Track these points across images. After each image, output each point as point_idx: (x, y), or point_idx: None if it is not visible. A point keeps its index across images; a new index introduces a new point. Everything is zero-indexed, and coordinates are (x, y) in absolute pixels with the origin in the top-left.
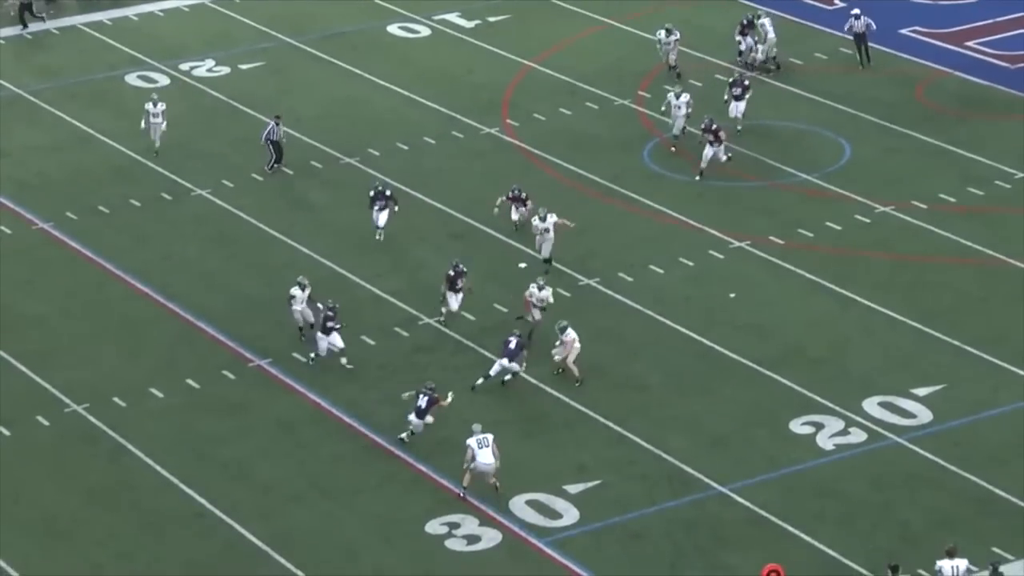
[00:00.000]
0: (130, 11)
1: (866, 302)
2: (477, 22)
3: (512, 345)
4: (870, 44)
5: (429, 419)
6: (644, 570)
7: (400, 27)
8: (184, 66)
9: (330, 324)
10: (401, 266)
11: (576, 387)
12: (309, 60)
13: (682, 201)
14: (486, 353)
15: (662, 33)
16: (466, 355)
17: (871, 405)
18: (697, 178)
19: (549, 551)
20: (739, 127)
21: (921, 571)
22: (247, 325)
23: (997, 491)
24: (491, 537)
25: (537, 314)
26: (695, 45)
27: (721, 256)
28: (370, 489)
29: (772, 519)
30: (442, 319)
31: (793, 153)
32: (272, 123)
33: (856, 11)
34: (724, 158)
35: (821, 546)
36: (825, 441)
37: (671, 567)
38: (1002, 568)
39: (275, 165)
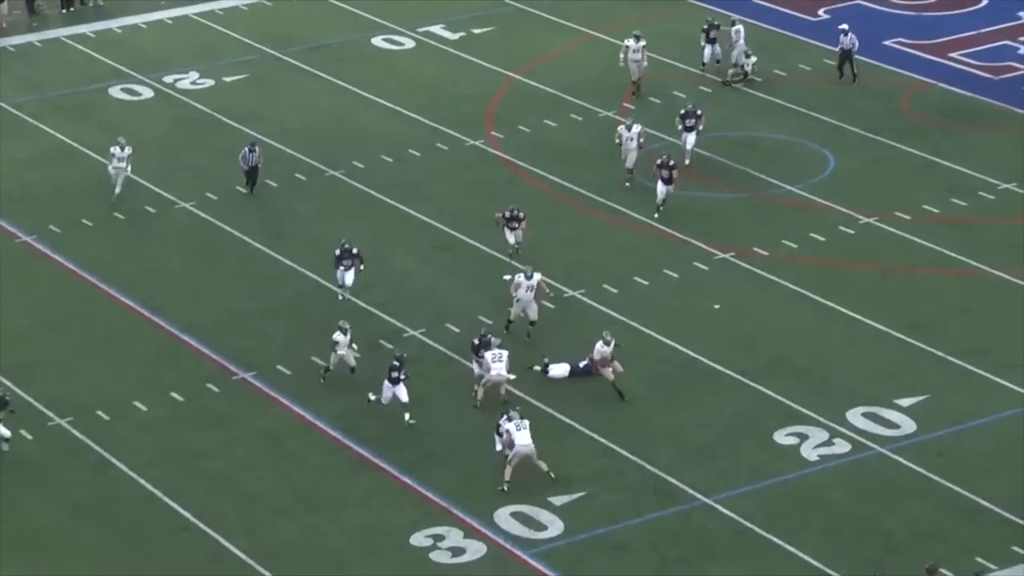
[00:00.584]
0: (114, 23)
1: (850, 313)
2: (462, 34)
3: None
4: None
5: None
6: None
7: (384, 39)
8: (168, 78)
9: (396, 374)
10: (386, 278)
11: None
12: (293, 72)
13: (666, 213)
14: (471, 366)
15: (631, 41)
16: (452, 367)
17: (855, 416)
18: (656, 216)
19: (534, 563)
20: (688, 160)
21: None
22: (231, 338)
23: (981, 501)
24: (476, 549)
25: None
26: (676, 55)
27: (706, 268)
28: (355, 502)
29: (756, 530)
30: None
31: (777, 164)
32: (245, 149)
33: (844, 26)
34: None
35: (806, 557)
36: (809, 452)
37: None
38: None
39: (252, 189)
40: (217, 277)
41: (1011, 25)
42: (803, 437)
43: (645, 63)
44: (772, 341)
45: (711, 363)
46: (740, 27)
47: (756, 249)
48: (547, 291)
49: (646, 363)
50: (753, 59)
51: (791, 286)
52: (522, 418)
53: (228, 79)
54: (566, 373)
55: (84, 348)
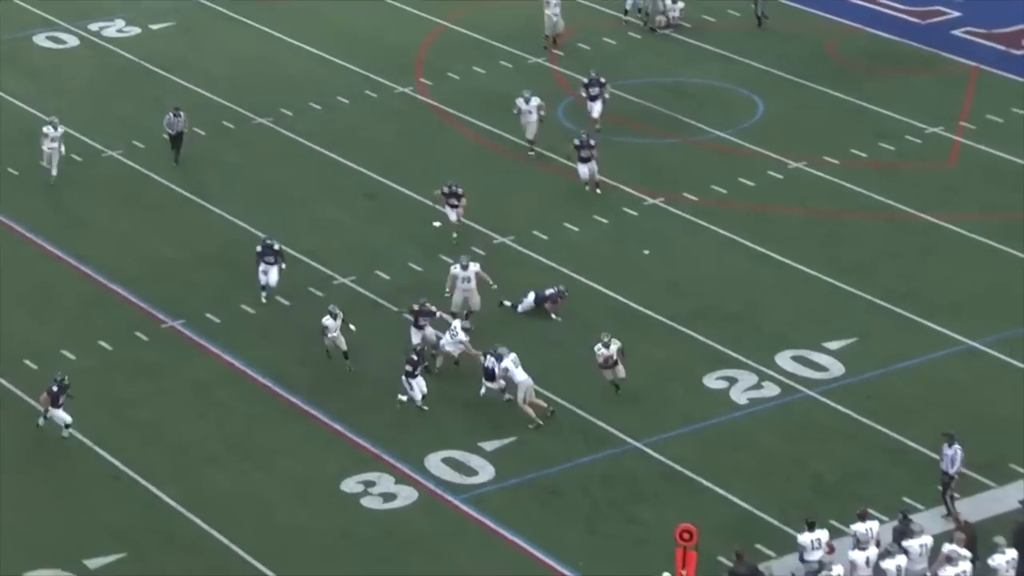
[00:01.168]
0: None
1: (779, 257)
2: None
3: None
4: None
5: (421, 388)
6: (560, 525)
7: None
8: (94, 26)
9: (411, 368)
10: (315, 226)
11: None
12: (220, 20)
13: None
14: (400, 311)
15: None
16: (382, 315)
17: (784, 359)
18: (598, 191)
19: (465, 508)
20: (598, 127)
21: (834, 522)
22: (160, 286)
23: (909, 442)
24: (407, 495)
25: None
26: (605, 2)
27: (635, 213)
28: (286, 449)
29: (687, 473)
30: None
31: (706, 110)
32: (170, 114)
33: None
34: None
35: (735, 499)
36: (739, 395)
37: (587, 522)
38: (912, 516)
39: (177, 157)
40: (145, 226)
41: None
42: (732, 381)
43: (560, 21)
44: (702, 286)
45: (641, 308)
46: None
47: (685, 194)
48: (491, 283)
49: (576, 308)
50: (680, 4)
51: (720, 231)
52: (509, 352)
53: (154, 27)
54: (532, 302)
55: (11, 297)
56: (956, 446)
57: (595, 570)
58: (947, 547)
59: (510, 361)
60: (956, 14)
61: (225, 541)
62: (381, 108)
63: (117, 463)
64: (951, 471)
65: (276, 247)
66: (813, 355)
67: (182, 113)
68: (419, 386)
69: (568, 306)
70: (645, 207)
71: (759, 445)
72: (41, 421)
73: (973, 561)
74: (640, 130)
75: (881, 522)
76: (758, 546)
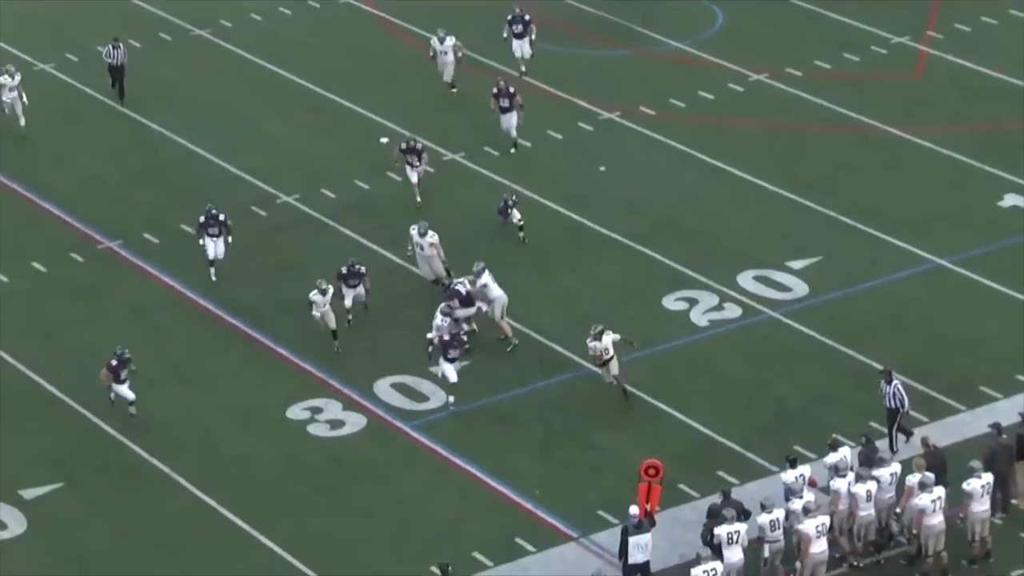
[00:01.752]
0: None
1: (739, 173)
2: None
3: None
4: None
5: (452, 375)
6: (514, 452)
7: None
8: None
9: (454, 352)
10: (256, 142)
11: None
12: None
13: (550, 71)
14: (347, 231)
15: None
16: (327, 235)
17: (745, 279)
18: (512, 151)
19: (416, 435)
20: (523, 68)
21: (799, 447)
22: (96, 206)
23: (874, 364)
24: (355, 422)
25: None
26: None
27: (590, 128)
28: (229, 375)
29: (645, 398)
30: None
31: (663, 20)
32: (109, 46)
33: None
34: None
35: (695, 424)
36: (699, 317)
37: (542, 449)
38: (877, 442)
39: (122, 94)
40: (79, 142)
41: None
42: (692, 302)
43: None
44: (659, 203)
45: (596, 227)
46: None
47: (642, 108)
48: (443, 257)
49: (529, 228)
50: None
51: (679, 146)
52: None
53: None
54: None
55: None
56: (896, 382)
57: (551, 498)
58: (916, 476)
59: (488, 277)
60: None
61: (166, 470)
62: (324, 18)
63: (52, 389)
64: (903, 408)
65: (221, 217)
66: (776, 275)
67: (121, 44)
68: (448, 373)
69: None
70: (600, 121)
71: (720, 368)
72: (113, 396)
73: (945, 485)
74: (595, 41)
75: (850, 447)
76: (720, 473)
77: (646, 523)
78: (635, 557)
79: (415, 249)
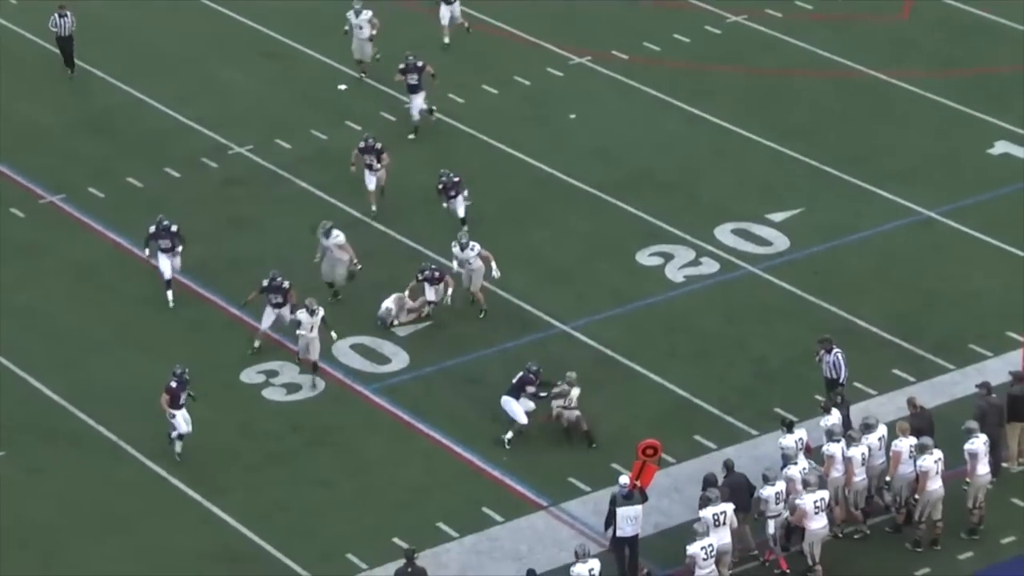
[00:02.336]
0: None
1: (717, 121)
2: None
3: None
4: None
5: (522, 417)
6: (481, 418)
7: None
8: None
9: (532, 389)
10: (207, 89)
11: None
12: None
13: (516, 12)
14: (303, 184)
15: None
16: (283, 187)
17: (724, 232)
18: (410, 136)
19: (376, 399)
20: (464, 28)
21: (779, 409)
22: (36, 157)
23: (858, 321)
24: (315, 385)
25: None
26: None
27: (560, 73)
28: (179, 336)
29: (619, 358)
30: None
31: None
32: (55, 15)
33: None
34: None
35: (672, 386)
36: (675, 273)
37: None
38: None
39: (70, 70)
40: (17, 89)
41: None
42: (668, 257)
43: None
44: (633, 153)
45: (566, 178)
46: None
47: (615, 52)
48: (354, 261)
49: (495, 180)
50: None
51: (653, 92)
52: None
53: None
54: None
55: None
56: (837, 351)
57: (520, 464)
58: (906, 441)
59: (472, 250)
60: None
61: (113, 437)
62: None
63: None
64: (841, 377)
65: (173, 228)
66: (755, 227)
67: (68, 12)
68: (515, 411)
69: (486, 178)
70: (570, 66)
71: (697, 327)
72: (172, 434)
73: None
74: None
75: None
76: (697, 437)
77: (636, 494)
78: (624, 530)
79: (326, 253)
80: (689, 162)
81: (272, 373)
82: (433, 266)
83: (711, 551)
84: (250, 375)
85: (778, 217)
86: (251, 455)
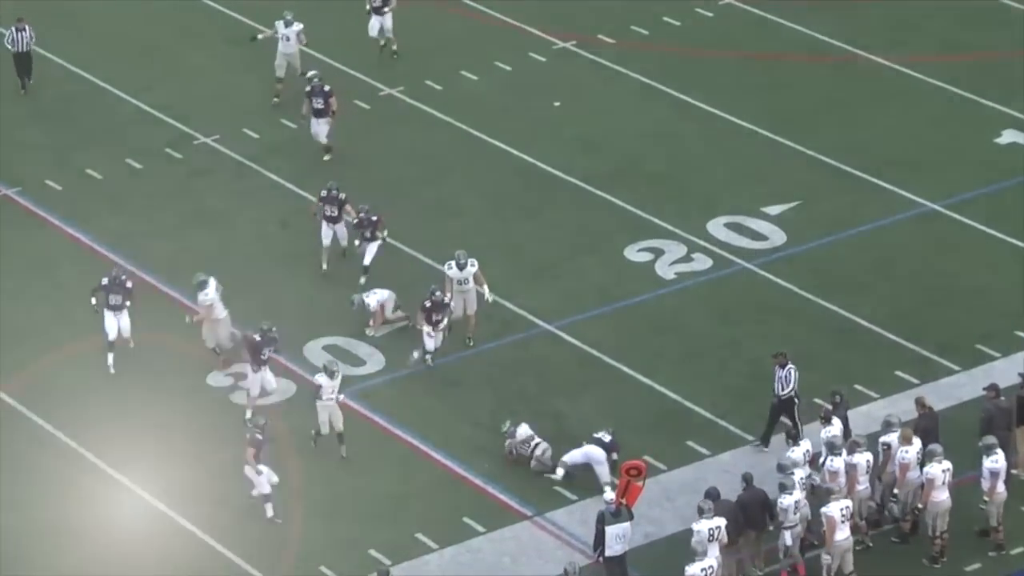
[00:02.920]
0: None
1: (710, 108)
2: None
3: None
4: None
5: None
6: (461, 421)
7: None
8: None
9: (607, 440)
10: (173, 76)
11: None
12: None
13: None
14: (272, 176)
15: None
16: (249, 179)
17: (716, 227)
18: (325, 158)
19: (351, 403)
20: (387, 44)
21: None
22: None
23: (858, 320)
24: (284, 388)
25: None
26: None
27: (543, 59)
28: (143, 336)
29: (605, 359)
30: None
31: None
32: (12, 29)
33: None
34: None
35: (661, 388)
36: (665, 269)
37: (492, 418)
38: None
39: (25, 83)
40: None
41: None
42: (658, 252)
43: None
44: (621, 143)
45: (550, 169)
46: None
47: (601, 37)
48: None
49: (476, 171)
50: None
51: (642, 79)
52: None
53: None
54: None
55: None
56: (790, 366)
57: (503, 472)
58: (912, 448)
59: (473, 266)
60: None
61: (72, 444)
62: None
63: None
64: (783, 393)
65: (128, 284)
66: (750, 221)
67: (27, 27)
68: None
69: (466, 169)
70: (554, 52)
71: (689, 326)
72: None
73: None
74: None
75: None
76: (689, 443)
77: (624, 510)
78: (613, 548)
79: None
80: (680, 152)
81: (240, 376)
82: (437, 291)
83: (711, 573)
84: (217, 378)
85: (774, 210)
86: (218, 461)
